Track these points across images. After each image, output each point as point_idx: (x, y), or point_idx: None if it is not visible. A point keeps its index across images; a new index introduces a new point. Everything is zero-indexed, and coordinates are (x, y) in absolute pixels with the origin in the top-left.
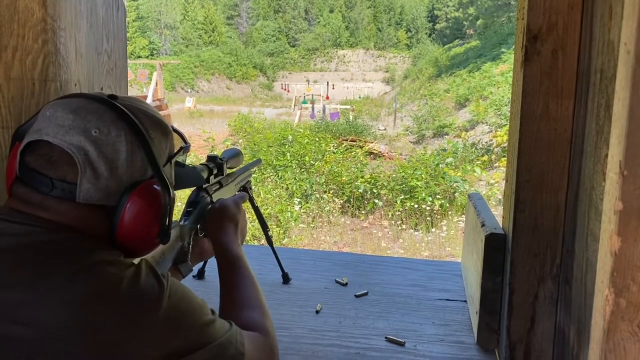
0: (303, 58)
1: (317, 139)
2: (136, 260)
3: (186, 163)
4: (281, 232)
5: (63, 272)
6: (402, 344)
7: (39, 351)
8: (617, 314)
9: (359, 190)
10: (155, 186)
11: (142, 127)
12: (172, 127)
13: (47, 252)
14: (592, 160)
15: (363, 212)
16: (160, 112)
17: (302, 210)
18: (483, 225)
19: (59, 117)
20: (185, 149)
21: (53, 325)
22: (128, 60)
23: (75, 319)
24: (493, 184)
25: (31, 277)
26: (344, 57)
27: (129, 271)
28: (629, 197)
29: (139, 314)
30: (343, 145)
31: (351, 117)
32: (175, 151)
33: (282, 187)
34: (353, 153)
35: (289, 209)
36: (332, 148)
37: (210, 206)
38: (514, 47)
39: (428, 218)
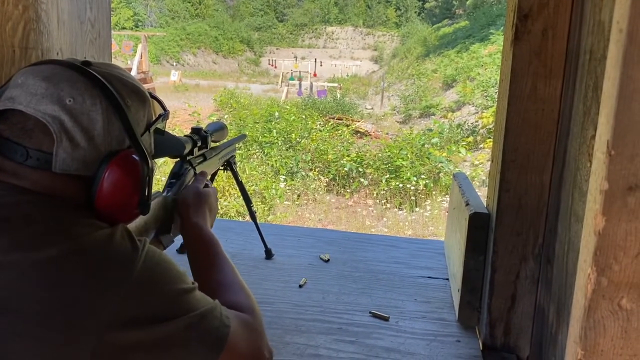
0: (291, 34)
1: (303, 117)
2: None
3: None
4: (266, 209)
5: (31, 233)
6: (386, 319)
7: (8, 310)
8: (598, 293)
9: (345, 169)
10: (133, 156)
11: (117, 95)
12: (150, 93)
13: (15, 214)
14: (578, 141)
15: (348, 190)
16: (144, 85)
17: (287, 188)
18: (467, 204)
19: (30, 84)
20: (164, 116)
21: (22, 285)
22: (112, 31)
23: (42, 278)
24: (477, 165)
25: None
26: (333, 34)
27: (102, 232)
28: (615, 176)
29: (109, 274)
30: (330, 124)
31: (338, 95)
32: (154, 119)
33: (268, 164)
34: (339, 131)
35: (274, 186)
36: (318, 126)
37: (183, 188)
38: (502, 28)
39: (412, 197)
